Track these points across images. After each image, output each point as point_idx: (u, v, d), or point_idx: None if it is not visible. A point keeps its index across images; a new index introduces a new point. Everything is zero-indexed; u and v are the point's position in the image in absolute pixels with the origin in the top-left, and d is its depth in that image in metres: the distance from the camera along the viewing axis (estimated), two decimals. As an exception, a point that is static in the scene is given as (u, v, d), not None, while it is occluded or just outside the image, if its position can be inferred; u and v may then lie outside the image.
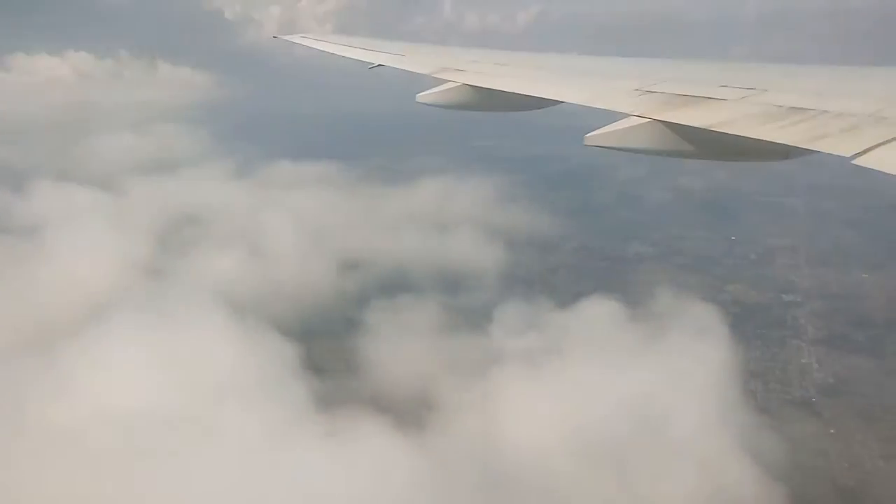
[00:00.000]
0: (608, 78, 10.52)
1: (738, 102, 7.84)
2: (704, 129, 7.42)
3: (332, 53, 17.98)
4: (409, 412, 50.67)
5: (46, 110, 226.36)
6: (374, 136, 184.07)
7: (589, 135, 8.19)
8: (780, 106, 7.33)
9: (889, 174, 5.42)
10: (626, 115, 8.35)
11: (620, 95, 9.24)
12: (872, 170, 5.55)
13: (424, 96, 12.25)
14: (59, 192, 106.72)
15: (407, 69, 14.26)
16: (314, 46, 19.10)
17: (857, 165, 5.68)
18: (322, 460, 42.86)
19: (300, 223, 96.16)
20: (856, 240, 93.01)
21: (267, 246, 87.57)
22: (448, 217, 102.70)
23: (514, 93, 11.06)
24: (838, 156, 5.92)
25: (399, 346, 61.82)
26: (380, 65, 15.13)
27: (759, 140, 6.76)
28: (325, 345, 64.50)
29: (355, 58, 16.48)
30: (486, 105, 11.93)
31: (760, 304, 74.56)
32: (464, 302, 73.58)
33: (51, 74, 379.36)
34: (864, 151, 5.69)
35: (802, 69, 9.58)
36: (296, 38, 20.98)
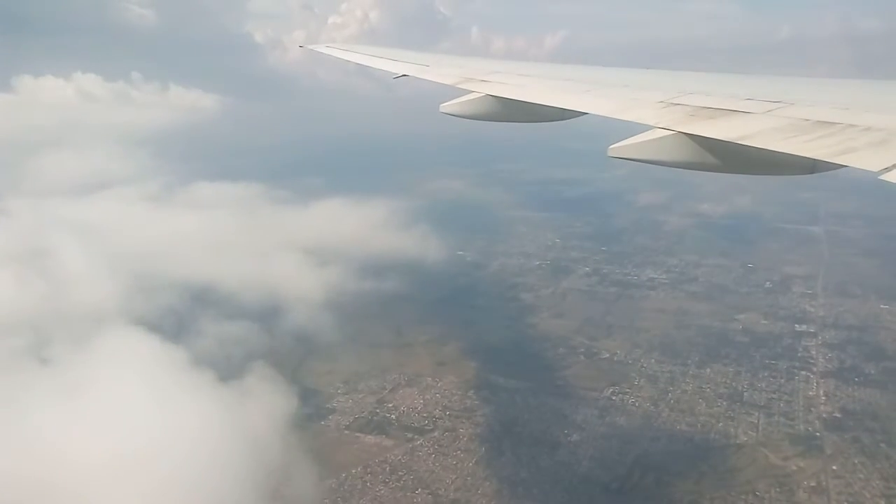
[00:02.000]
0: (632, 90, 10.50)
1: (764, 115, 7.79)
2: (729, 142, 7.35)
3: (357, 63, 18.10)
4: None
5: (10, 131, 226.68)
6: (381, 156, 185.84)
7: (613, 146, 8.19)
8: (807, 119, 7.27)
9: None
10: (650, 128, 8.30)
11: (645, 107, 9.21)
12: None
13: (448, 106, 12.33)
14: None
15: (431, 80, 14.33)
16: (340, 56, 19.21)
17: (883, 189, 5.64)
18: None
19: (141, 244, 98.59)
20: (876, 269, 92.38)
21: (73, 266, 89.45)
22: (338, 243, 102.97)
23: (537, 104, 11.05)
24: (865, 170, 5.85)
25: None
26: (404, 75, 15.22)
27: (784, 154, 6.67)
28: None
29: (380, 67, 16.60)
30: (510, 116, 11.94)
31: (771, 333, 73.91)
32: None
33: (53, 95, 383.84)
34: (893, 167, 5.63)
35: (830, 83, 9.53)
36: (321, 48, 21.14)
